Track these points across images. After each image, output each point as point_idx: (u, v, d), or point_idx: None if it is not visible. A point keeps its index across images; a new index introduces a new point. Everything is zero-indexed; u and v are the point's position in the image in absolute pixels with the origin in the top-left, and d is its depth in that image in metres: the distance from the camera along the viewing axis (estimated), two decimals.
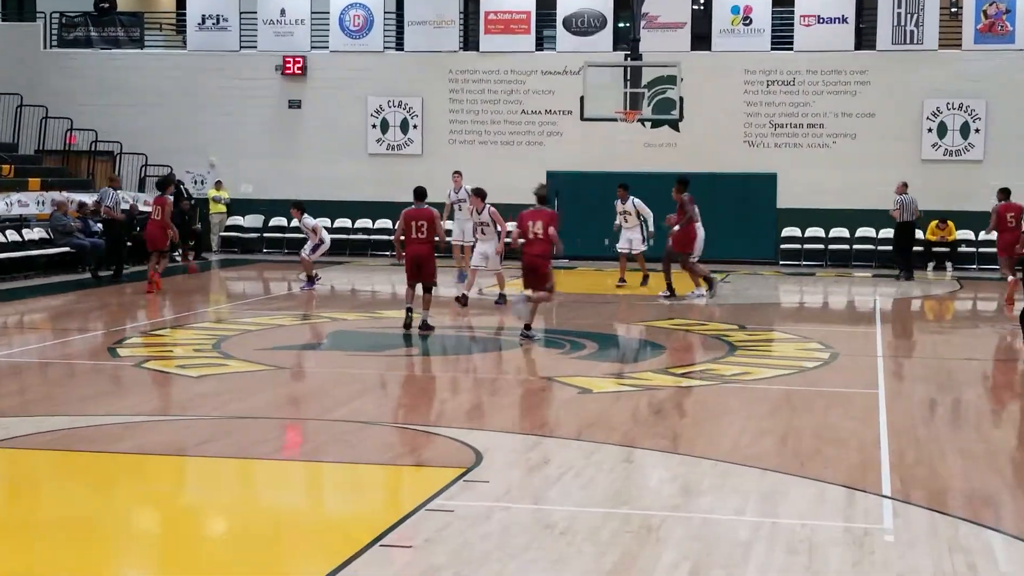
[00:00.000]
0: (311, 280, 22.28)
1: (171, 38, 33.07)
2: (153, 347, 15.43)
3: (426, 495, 8.25)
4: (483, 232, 19.70)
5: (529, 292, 16.52)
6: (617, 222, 23.00)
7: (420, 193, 17.16)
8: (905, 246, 25.74)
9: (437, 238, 16.79)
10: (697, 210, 20.87)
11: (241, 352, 14.58)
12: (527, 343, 15.73)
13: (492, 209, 19.63)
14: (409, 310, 16.60)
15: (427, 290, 16.60)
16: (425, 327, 16.48)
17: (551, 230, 16.19)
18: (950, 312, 21.27)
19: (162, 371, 13.41)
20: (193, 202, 28.57)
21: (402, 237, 16.81)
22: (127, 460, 9.44)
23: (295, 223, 24.28)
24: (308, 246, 22.32)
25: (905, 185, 25.85)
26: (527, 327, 16.05)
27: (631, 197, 22.79)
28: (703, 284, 20.86)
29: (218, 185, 30.49)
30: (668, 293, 20.87)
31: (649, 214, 22.77)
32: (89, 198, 26.20)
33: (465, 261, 22.51)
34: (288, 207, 25.34)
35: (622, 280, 22.95)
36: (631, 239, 22.82)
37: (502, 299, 19.61)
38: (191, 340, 15.73)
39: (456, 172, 24.62)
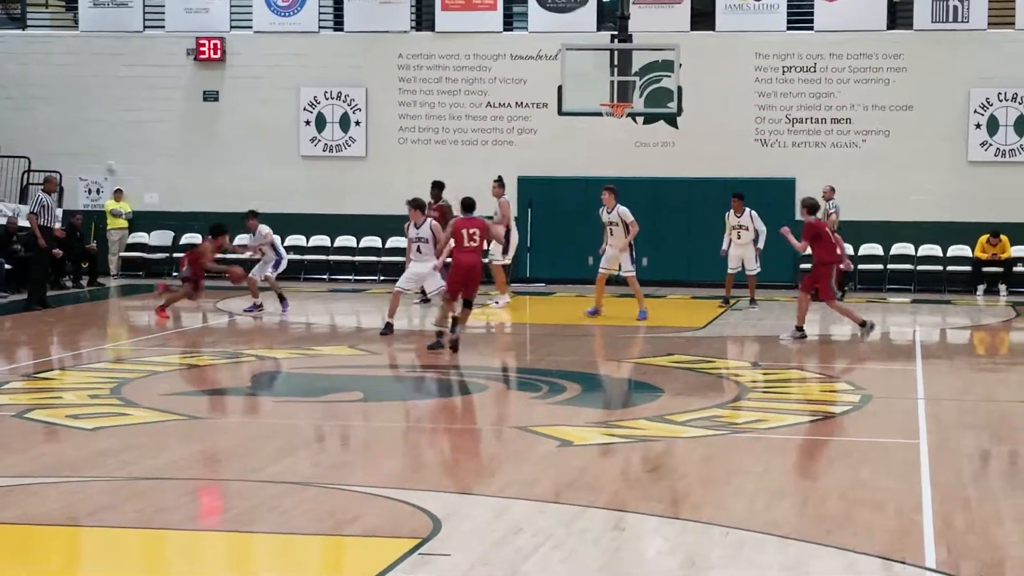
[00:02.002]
0: (258, 306, 23.07)
1: (59, 16, 33.03)
2: (38, 393, 15.33)
3: (374, 572, 8.22)
4: (419, 250, 19.66)
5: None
6: (726, 242, 24.22)
7: (469, 204, 19.08)
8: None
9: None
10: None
11: (146, 398, 14.47)
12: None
13: (434, 223, 19.74)
14: (455, 319, 18.25)
15: (467, 305, 18.44)
16: (452, 344, 18.12)
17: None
18: (1005, 345, 21.38)
19: (50, 422, 13.32)
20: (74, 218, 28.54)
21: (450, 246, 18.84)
22: (7, 532, 9.37)
23: (236, 240, 24.42)
24: (268, 265, 22.78)
25: (833, 189, 26.37)
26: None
27: (748, 210, 24.08)
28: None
29: (117, 195, 30.40)
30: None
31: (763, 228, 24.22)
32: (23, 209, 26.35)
33: None
34: (203, 221, 25.31)
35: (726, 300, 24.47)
36: (743, 257, 24.18)
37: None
38: (85, 384, 15.64)
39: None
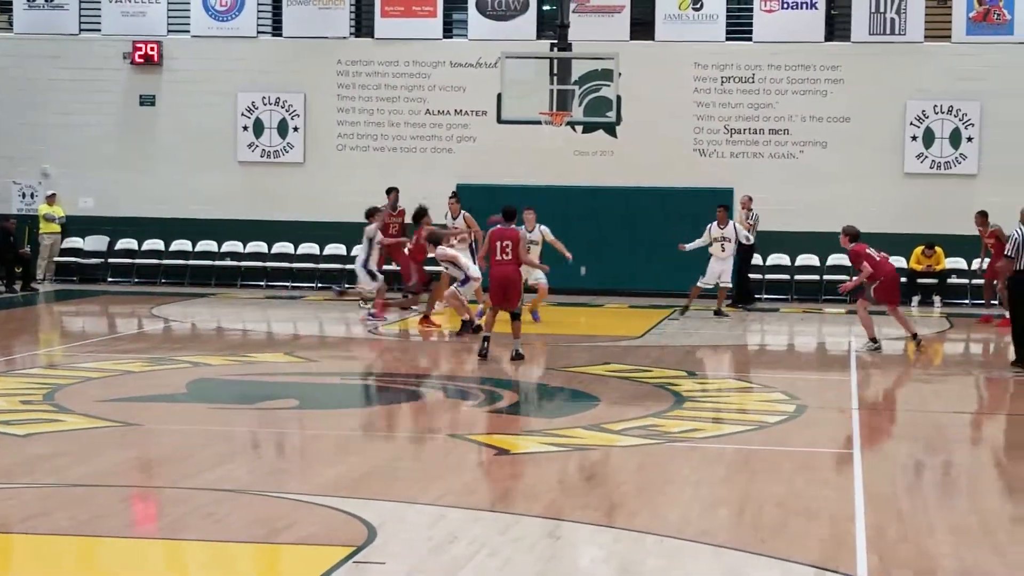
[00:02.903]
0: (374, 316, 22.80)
1: None
2: None
3: None
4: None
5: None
6: (694, 245, 24.44)
7: (509, 214, 19.24)
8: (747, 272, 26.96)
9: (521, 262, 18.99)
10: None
11: (80, 405, 14.40)
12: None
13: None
14: (486, 339, 18.43)
15: (515, 317, 18.59)
16: (517, 356, 18.33)
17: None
18: (939, 356, 21.55)
19: None
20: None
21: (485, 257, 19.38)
22: None
23: (167, 248, 24.18)
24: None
25: (751, 199, 26.66)
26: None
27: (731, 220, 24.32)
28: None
29: (51, 200, 30.15)
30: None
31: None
32: None
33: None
34: (138, 226, 25.17)
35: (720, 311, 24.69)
36: (721, 271, 24.52)
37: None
38: (17, 390, 15.53)
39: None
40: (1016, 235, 18.25)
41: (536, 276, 22.52)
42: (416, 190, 27.75)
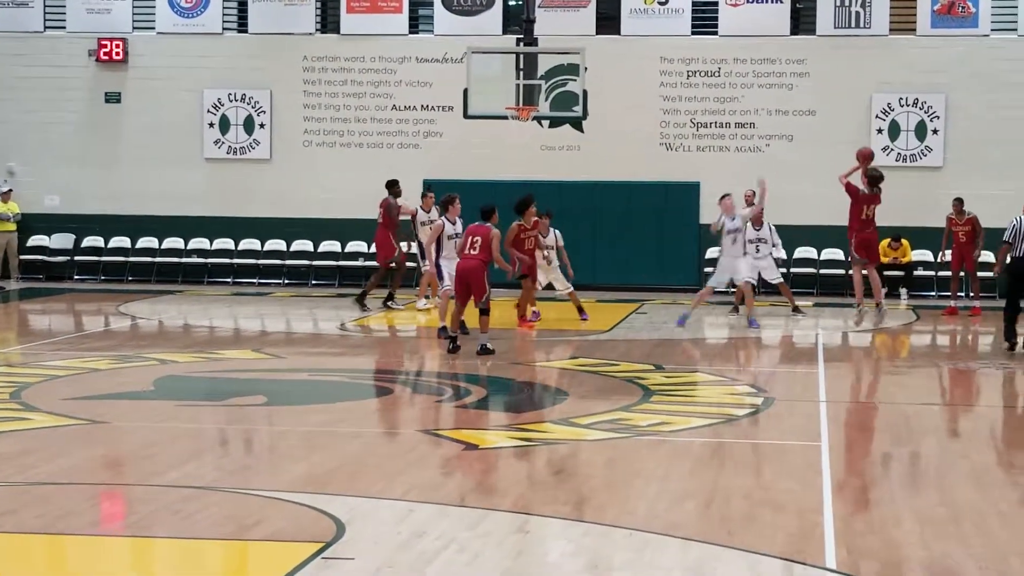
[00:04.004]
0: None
1: None
2: None
3: None
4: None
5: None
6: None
7: (486, 212, 19.12)
8: None
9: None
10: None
11: (46, 403, 14.36)
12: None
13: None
14: (447, 334, 18.51)
15: (483, 312, 18.43)
16: (484, 351, 18.25)
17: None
18: (905, 348, 21.64)
19: None
20: None
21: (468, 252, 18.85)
22: None
23: (106, 244, 24.13)
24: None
25: (754, 193, 26.70)
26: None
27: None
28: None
29: (5, 197, 29.74)
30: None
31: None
32: None
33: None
34: (105, 224, 25.06)
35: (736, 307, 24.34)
36: (761, 267, 24.11)
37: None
38: None
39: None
40: (1016, 222, 19.28)
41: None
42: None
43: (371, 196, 25.63)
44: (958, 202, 25.38)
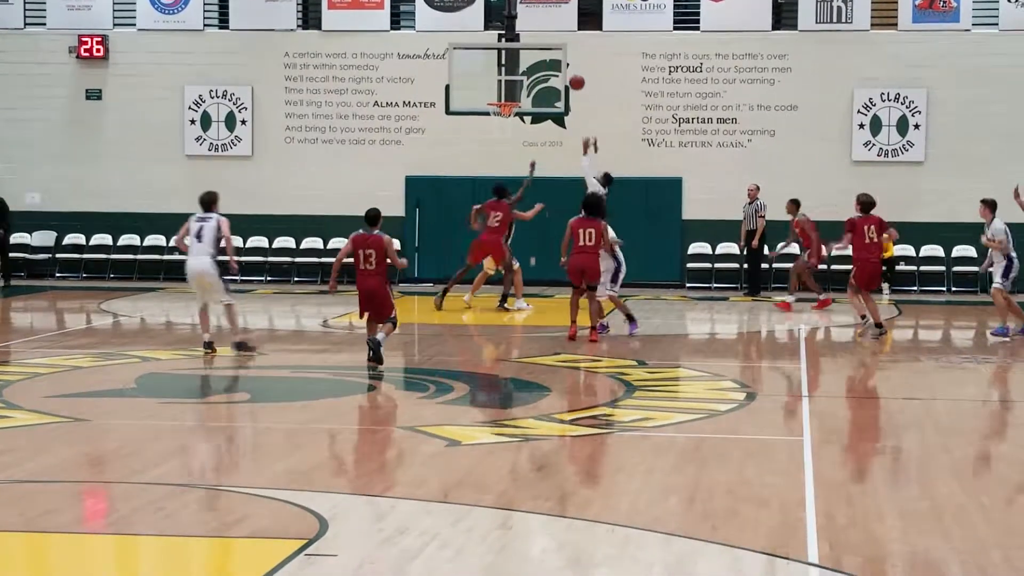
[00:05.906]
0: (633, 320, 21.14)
1: None
2: None
3: (260, 573, 8.22)
4: None
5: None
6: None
7: (372, 218, 16.98)
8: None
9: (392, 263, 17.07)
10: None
11: (28, 401, 14.36)
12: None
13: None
14: (373, 344, 16.70)
15: (387, 322, 17.00)
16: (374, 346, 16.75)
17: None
18: (887, 343, 21.69)
19: None
20: None
21: (346, 261, 17.19)
22: None
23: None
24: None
25: (758, 188, 26.81)
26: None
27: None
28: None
29: None
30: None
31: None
32: None
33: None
34: (86, 221, 24.99)
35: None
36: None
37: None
38: None
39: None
40: None
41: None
42: (364, 182, 27.76)
43: (353, 193, 25.63)
44: (793, 203, 25.78)
